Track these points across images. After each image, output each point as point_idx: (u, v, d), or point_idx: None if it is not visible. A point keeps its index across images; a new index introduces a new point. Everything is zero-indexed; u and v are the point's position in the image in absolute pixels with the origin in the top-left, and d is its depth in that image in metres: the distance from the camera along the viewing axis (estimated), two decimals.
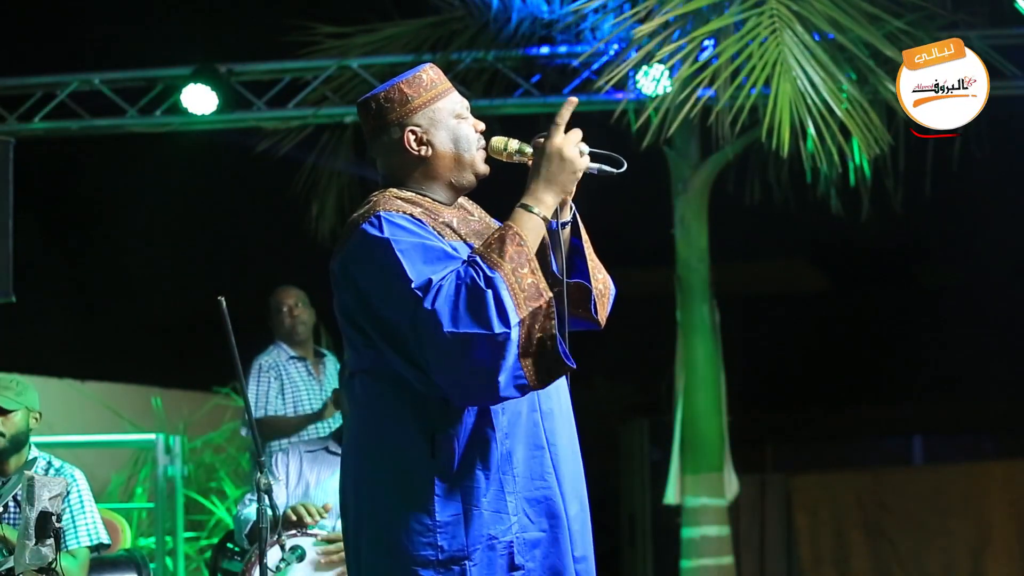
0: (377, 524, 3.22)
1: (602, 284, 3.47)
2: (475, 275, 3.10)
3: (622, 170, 3.30)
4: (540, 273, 3.15)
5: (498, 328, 3.05)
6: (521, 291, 3.11)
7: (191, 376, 9.78)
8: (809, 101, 6.70)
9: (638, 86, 7.48)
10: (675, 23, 7.04)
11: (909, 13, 7.14)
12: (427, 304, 3.08)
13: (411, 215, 3.24)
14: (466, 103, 3.41)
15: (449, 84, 3.41)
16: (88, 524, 5.09)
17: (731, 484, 8.23)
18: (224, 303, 4.04)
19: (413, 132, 3.34)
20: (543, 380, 3.14)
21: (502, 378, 3.07)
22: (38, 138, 8.50)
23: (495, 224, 3.45)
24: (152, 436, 7.64)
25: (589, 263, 3.43)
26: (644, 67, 7.34)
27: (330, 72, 8.33)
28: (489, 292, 3.08)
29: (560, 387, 3.36)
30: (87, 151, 9.76)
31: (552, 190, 3.25)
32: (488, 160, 3.41)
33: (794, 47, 6.71)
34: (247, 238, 11.13)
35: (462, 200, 3.46)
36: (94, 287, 11.38)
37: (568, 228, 3.40)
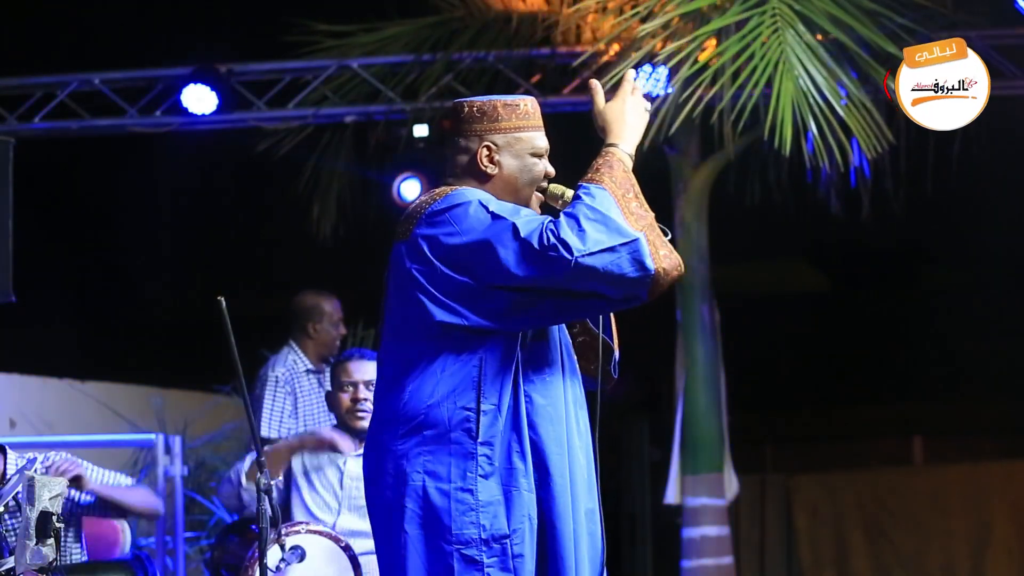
0: (418, 504, 3.32)
1: (618, 351, 3.63)
2: (588, 200, 3.32)
3: (666, 238, 3.41)
4: (642, 197, 3.38)
5: (631, 235, 3.29)
6: (630, 213, 3.32)
7: (191, 376, 9.76)
8: (811, 100, 6.70)
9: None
10: (676, 23, 7.05)
11: (910, 12, 7.14)
12: (550, 233, 3.26)
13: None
14: (547, 146, 3.55)
15: (541, 123, 3.55)
16: (113, 477, 5.18)
17: (731, 484, 8.23)
18: (224, 303, 4.04)
19: (488, 147, 3.49)
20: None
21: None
22: (38, 138, 8.49)
23: None
24: (152, 436, 7.63)
25: (613, 327, 3.61)
26: (645, 67, 7.34)
27: (330, 72, 8.33)
28: (609, 209, 3.30)
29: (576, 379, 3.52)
30: (87, 151, 9.74)
31: (626, 128, 3.45)
32: (542, 206, 3.55)
33: (796, 46, 6.71)
34: (247, 238, 11.12)
35: None
36: (94, 287, 11.37)
37: None
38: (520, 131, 3.50)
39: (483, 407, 3.31)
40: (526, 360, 3.38)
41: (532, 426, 3.37)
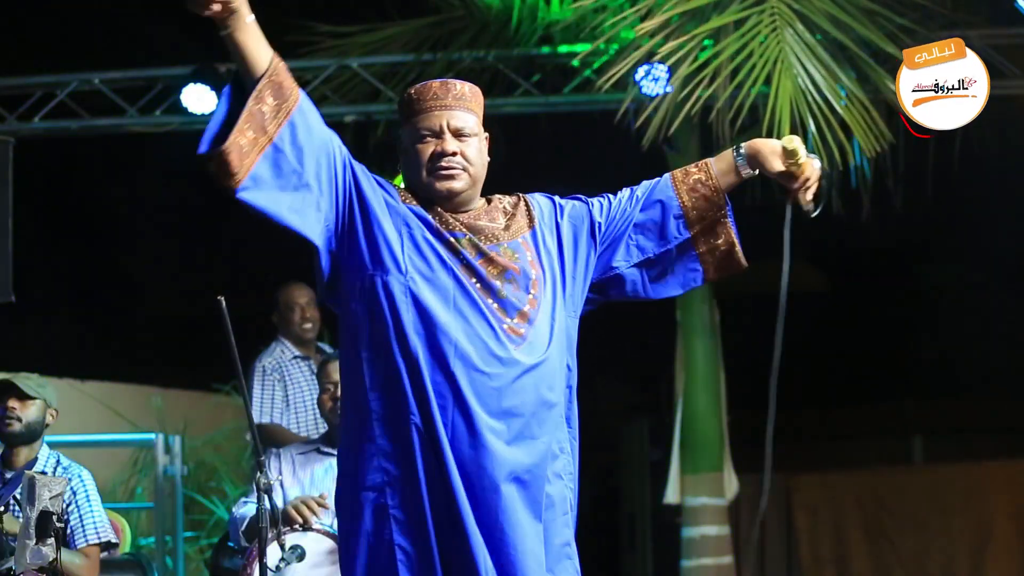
0: (341, 466, 3.44)
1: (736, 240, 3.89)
2: None
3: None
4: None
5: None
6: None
7: (191, 376, 9.77)
8: (810, 99, 6.71)
9: (638, 85, 7.48)
10: (675, 22, 7.05)
11: (909, 12, 7.15)
12: None
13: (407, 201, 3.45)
14: (434, 125, 3.43)
15: (425, 107, 3.44)
16: (96, 523, 5.12)
17: (731, 484, 8.24)
18: (224, 303, 4.04)
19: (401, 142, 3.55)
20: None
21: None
22: (38, 138, 8.50)
23: (525, 233, 3.55)
24: (152, 436, 7.65)
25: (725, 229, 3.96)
26: (644, 66, 7.34)
27: (330, 72, 8.33)
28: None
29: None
30: (87, 151, 9.75)
31: None
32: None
33: (795, 45, 6.73)
34: (247, 238, 11.11)
35: (503, 204, 3.57)
36: (94, 287, 11.37)
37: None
38: (405, 122, 3.49)
39: (365, 354, 3.36)
40: (413, 318, 3.35)
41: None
